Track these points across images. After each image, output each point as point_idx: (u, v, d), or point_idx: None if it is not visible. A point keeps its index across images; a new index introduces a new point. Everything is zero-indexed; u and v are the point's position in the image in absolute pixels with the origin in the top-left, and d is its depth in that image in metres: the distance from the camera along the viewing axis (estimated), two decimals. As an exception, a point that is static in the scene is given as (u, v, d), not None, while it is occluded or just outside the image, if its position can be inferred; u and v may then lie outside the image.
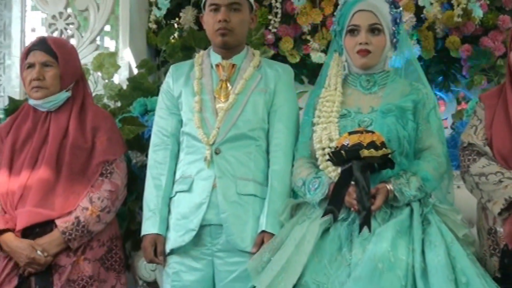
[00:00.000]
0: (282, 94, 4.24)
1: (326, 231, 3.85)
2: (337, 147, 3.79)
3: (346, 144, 3.77)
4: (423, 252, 3.73)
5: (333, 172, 3.89)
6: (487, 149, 4.11)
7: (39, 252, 4.12)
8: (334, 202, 3.88)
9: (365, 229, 3.74)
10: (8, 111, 5.01)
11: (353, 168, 3.76)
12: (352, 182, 3.83)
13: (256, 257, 3.88)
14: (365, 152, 3.73)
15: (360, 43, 3.99)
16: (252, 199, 4.10)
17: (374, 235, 3.73)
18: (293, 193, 4.23)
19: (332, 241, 3.81)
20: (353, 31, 4.02)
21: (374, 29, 4.03)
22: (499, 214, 4.01)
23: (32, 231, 4.17)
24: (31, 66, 4.27)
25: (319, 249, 3.78)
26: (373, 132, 3.81)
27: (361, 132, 3.81)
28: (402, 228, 3.80)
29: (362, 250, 3.72)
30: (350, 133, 3.81)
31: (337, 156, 3.77)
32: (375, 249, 3.68)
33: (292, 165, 4.24)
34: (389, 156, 3.80)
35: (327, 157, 3.88)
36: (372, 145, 3.74)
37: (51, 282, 4.16)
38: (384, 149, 3.75)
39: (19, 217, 4.19)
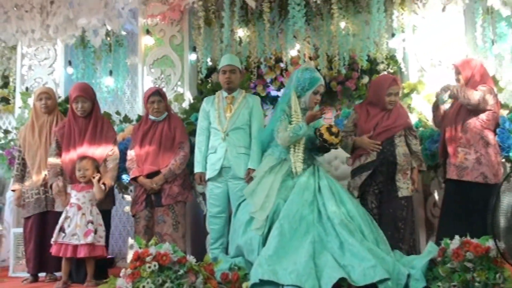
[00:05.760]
0: (255, 109, 4.20)
1: (285, 177, 3.81)
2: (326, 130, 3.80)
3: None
4: (319, 182, 3.77)
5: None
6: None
7: (154, 184, 4.16)
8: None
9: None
10: (138, 120, 4.91)
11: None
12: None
13: (248, 186, 3.84)
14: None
15: (317, 99, 3.93)
16: (244, 155, 4.10)
17: (300, 175, 3.77)
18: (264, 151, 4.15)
19: (288, 180, 3.77)
20: (316, 93, 3.90)
21: (322, 95, 3.99)
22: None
23: (151, 175, 4.20)
24: (153, 102, 4.29)
25: (281, 186, 3.74)
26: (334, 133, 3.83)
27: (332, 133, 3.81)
28: (311, 173, 3.83)
29: (296, 181, 3.76)
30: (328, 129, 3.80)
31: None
32: (300, 180, 3.75)
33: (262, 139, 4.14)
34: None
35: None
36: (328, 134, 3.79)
37: (160, 196, 4.18)
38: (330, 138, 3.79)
39: (145, 169, 4.22)
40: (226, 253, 4.00)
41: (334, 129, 3.81)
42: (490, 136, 4.00)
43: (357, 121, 4.17)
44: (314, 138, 3.89)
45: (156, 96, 4.34)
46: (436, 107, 4.33)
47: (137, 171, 4.25)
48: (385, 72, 5.68)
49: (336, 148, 3.93)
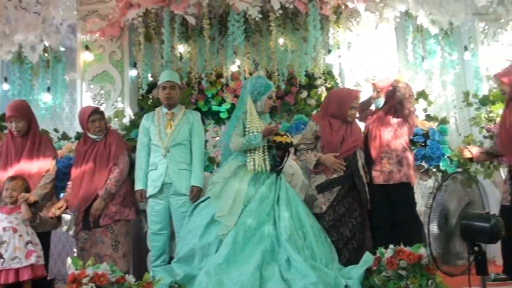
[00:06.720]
0: (196, 125, 4.19)
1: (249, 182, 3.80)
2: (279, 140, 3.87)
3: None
4: (279, 193, 3.78)
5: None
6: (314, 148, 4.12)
7: (95, 211, 4.02)
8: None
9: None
10: (76, 138, 4.81)
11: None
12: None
13: (211, 189, 3.82)
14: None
15: (271, 103, 4.03)
16: (185, 171, 4.06)
17: (262, 185, 3.78)
18: (210, 164, 4.23)
19: (252, 186, 3.75)
20: (270, 97, 4.01)
21: (272, 100, 4.08)
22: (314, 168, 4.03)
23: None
24: (94, 120, 4.18)
25: (246, 192, 3.74)
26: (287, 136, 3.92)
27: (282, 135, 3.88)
28: (273, 182, 3.83)
29: (258, 190, 3.75)
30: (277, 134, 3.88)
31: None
32: (261, 191, 3.74)
33: (205, 153, 4.21)
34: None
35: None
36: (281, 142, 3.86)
37: (99, 216, 4.04)
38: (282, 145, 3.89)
39: (81, 201, 4.07)
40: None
41: (281, 133, 3.96)
42: (410, 157, 4.20)
43: (320, 133, 4.12)
44: (273, 151, 3.93)
45: (97, 114, 4.27)
46: (367, 104, 4.45)
47: (69, 197, 4.14)
48: (323, 87, 5.80)
49: (292, 146, 4.01)
